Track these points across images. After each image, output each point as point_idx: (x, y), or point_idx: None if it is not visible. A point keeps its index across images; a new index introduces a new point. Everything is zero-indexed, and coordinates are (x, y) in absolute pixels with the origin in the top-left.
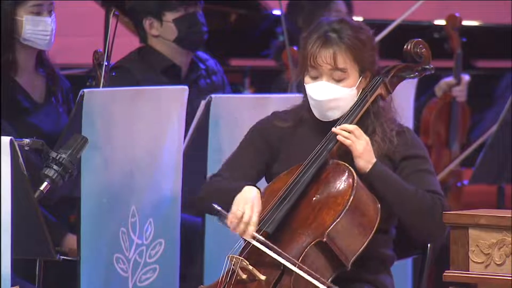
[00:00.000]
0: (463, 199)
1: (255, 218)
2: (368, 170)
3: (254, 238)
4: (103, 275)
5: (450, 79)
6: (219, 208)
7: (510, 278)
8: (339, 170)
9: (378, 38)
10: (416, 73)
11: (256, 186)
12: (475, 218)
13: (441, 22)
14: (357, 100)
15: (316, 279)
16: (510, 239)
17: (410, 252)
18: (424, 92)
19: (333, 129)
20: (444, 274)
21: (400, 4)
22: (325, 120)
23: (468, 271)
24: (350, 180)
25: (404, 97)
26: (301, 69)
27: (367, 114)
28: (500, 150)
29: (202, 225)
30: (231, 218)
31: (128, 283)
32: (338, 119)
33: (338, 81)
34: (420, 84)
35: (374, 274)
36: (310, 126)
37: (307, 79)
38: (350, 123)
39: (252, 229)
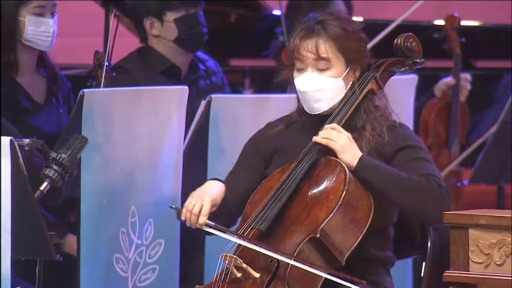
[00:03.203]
0: (463, 199)
1: (205, 208)
2: (355, 164)
3: (205, 225)
4: (103, 275)
5: (448, 79)
6: (173, 206)
7: (510, 278)
8: (330, 166)
9: (378, 38)
10: (407, 67)
11: (221, 180)
12: (475, 218)
13: (440, 22)
14: (347, 96)
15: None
16: (510, 239)
17: (410, 252)
18: (423, 92)
19: (314, 138)
20: (444, 274)
21: (400, 4)
22: (313, 113)
23: (468, 271)
24: (342, 176)
25: (404, 97)
26: (290, 66)
27: (357, 110)
28: (500, 150)
29: None
30: (184, 212)
31: (128, 283)
32: (328, 116)
33: (323, 71)
34: (420, 84)
35: (374, 275)
36: (300, 126)
37: (294, 73)
38: (341, 120)
39: (203, 219)
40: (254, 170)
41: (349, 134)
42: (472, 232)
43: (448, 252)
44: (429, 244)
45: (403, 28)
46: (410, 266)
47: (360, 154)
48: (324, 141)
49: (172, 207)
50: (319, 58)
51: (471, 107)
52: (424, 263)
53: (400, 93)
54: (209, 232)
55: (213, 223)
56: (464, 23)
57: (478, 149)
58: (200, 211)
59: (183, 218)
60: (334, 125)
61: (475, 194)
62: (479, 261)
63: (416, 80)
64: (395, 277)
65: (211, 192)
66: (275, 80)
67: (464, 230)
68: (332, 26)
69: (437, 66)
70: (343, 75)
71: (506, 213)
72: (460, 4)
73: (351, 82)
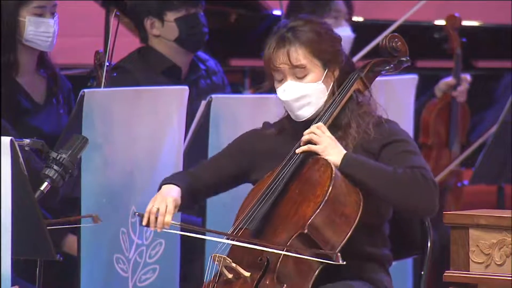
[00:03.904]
0: (463, 199)
1: (170, 207)
2: (339, 162)
3: (171, 226)
4: (103, 275)
5: (449, 79)
6: (137, 212)
7: (510, 278)
8: (317, 164)
9: (379, 38)
10: (392, 66)
11: (177, 185)
12: (475, 218)
13: (441, 22)
14: (333, 97)
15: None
16: (510, 239)
17: (409, 252)
18: (424, 92)
19: (297, 151)
20: (444, 274)
21: (400, 4)
22: (300, 120)
23: (468, 271)
24: (328, 172)
25: (404, 97)
26: (269, 77)
27: (342, 110)
28: (500, 150)
29: (202, 225)
30: (147, 216)
31: (128, 283)
32: (314, 119)
33: (301, 78)
34: (420, 84)
35: (370, 273)
36: (290, 133)
37: (275, 84)
38: (326, 121)
39: (169, 218)
40: (236, 162)
41: (331, 135)
42: (472, 232)
43: (448, 252)
44: (429, 244)
45: (404, 28)
46: (410, 266)
47: (344, 152)
48: (305, 148)
49: (137, 214)
50: (293, 66)
51: (471, 107)
52: (424, 263)
53: (400, 93)
54: (178, 233)
55: (179, 223)
56: (464, 23)
57: (478, 149)
58: (165, 212)
59: (144, 222)
60: (319, 124)
61: (475, 194)
62: (479, 261)
63: (416, 80)
64: (395, 277)
65: (172, 194)
66: (258, 91)
67: (464, 230)
68: (302, 32)
69: (437, 66)
70: (322, 78)
71: (506, 213)
72: (460, 4)
73: (331, 83)
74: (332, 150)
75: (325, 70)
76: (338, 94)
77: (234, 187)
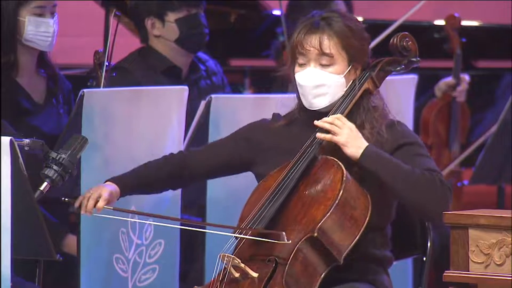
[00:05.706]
0: (463, 199)
1: (105, 194)
2: (359, 155)
3: (99, 211)
4: (103, 275)
5: (449, 80)
6: (66, 199)
7: (510, 278)
8: (328, 165)
9: (379, 38)
10: (403, 66)
11: (117, 184)
12: (475, 218)
13: (440, 22)
14: (345, 95)
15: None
16: (510, 239)
17: (410, 252)
18: (424, 92)
19: (315, 122)
20: (444, 274)
21: (400, 4)
22: (313, 109)
23: (468, 271)
24: (339, 174)
25: (404, 97)
26: (291, 60)
27: (357, 108)
28: (500, 150)
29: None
30: (80, 199)
31: (127, 283)
32: (326, 113)
33: (325, 66)
34: (420, 84)
35: (372, 274)
36: (299, 124)
37: (296, 68)
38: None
39: (102, 203)
40: (238, 151)
41: (352, 125)
42: (472, 232)
43: (448, 252)
44: (429, 244)
45: (403, 28)
46: (410, 266)
47: (365, 145)
48: (327, 137)
49: (65, 200)
50: (322, 53)
51: (471, 107)
52: (424, 263)
53: (400, 93)
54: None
55: (112, 207)
56: (464, 23)
57: (478, 149)
58: (99, 197)
59: (77, 204)
60: (338, 115)
61: (475, 194)
62: (479, 261)
63: (416, 80)
64: (395, 277)
65: (109, 187)
66: (273, 74)
67: (464, 230)
68: (336, 23)
69: (437, 66)
70: (345, 73)
71: (506, 213)
72: (460, 4)
73: (351, 81)
74: (352, 143)
75: (350, 65)
76: (349, 93)
77: (231, 174)
